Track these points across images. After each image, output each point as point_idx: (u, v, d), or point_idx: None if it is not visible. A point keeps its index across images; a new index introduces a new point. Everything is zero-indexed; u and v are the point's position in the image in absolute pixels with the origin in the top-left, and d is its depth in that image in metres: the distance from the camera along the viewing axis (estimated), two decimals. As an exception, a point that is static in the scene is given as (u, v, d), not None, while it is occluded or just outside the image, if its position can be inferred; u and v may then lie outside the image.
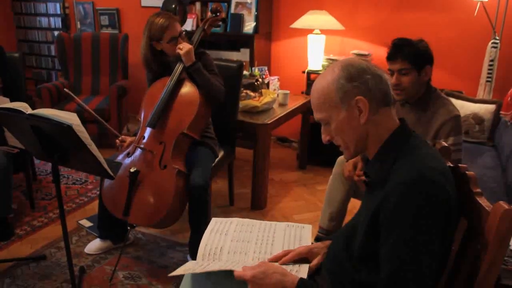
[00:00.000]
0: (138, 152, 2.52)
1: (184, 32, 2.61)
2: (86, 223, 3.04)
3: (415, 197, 1.12)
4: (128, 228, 2.52)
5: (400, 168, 1.20)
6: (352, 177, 2.28)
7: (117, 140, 2.62)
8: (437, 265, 1.17)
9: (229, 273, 1.35)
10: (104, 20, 5.25)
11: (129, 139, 2.63)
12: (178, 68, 2.58)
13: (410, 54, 2.10)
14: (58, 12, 5.48)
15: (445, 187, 1.15)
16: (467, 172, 1.28)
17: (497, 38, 3.38)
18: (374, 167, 1.28)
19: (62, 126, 1.69)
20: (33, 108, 1.81)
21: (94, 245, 2.73)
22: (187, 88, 2.59)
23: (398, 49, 2.14)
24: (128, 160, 2.52)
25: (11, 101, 2.30)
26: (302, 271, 1.41)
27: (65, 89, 2.64)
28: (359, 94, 1.22)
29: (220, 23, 2.90)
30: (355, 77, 1.22)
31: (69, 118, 1.71)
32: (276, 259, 1.47)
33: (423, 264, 1.12)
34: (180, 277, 1.52)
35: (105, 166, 1.86)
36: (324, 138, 1.33)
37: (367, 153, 1.32)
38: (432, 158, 1.21)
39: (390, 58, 2.17)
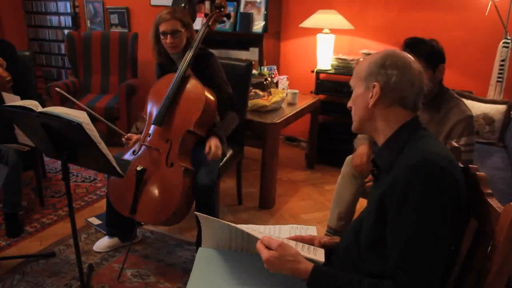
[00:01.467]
0: (144, 150, 2.52)
1: (179, 32, 2.60)
2: (95, 221, 3.06)
3: (420, 179, 1.15)
4: (136, 225, 2.52)
5: (407, 154, 1.24)
6: (363, 167, 2.29)
7: (123, 138, 2.63)
8: (447, 252, 1.17)
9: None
10: (114, 19, 5.28)
11: (135, 137, 2.64)
12: (184, 65, 2.58)
13: (425, 53, 2.08)
14: (68, 11, 5.51)
15: (452, 172, 1.17)
16: (477, 172, 1.27)
17: (509, 37, 3.35)
18: (382, 155, 1.33)
19: (72, 124, 1.70)
20: (43, 106, 1.82)
21: (103, 242, 2.75)
22: (193, 85, 2.58)
23: (412, 49, 2.11)
24: (134, 158, 2.53)
25: (22, 99, 2.32)
26: (319, 252, 1.42)
27: (63, 92, 2.66)
28: (378, 81, 1.30)
29: (225, 18, 2.88)
30: (385, 67, 1.30)
31: (79, 116, 1.71)
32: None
33: (431, 247, 1.13)
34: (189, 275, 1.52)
35: (114, 164, 1.87)
36: (348, 103, 1.42)
37: (377, 142, 1.37)
38: (438, 147, 1.24)
39: None
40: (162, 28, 2.57)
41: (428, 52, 2.09)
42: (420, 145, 1.24)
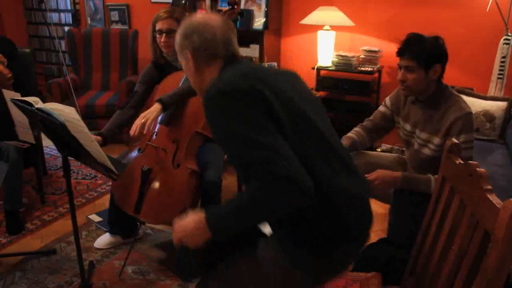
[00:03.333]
0: (150, 149, 2.50)
1: (175, 32, 2.56)
2: (96, 218, 3.06)
3: (206, 104, 1.37)
4: (138, 223, 2.52)
5: None
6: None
7: None
8: (279, 143, 1.25)
9: None
10: (114, 15, 5.27)
11: None
12: None
13: (418, 53, 2.06)
14: (69, 7, 5.51)
15: (234, 89, 1.31)
16: (478, 169, 1.27)
17: (510, 34, 3.34)
18: None
19: (55, 124, 1.68)
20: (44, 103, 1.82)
21: (104, 239, 2.75)
22: None
23: (407, 47, 2.11)
24: (140, 157, 2.50)
25: (22, 96, 2.31)
26: None
27: None
28: (187, 49, 1.48)
29: (238, 16, 2.82)
30: (187, 36, 1.48)
31: (69, 112, 1.68)
32: None
33: (247, 143, 1.24)
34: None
35: (108, 164, 1.82)
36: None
37: None
38: (230, 73, 1.39)
39: (399, 54, 2.15)
40: (158, 26, 2.56)
41: (421, 52, 2.06)
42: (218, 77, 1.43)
